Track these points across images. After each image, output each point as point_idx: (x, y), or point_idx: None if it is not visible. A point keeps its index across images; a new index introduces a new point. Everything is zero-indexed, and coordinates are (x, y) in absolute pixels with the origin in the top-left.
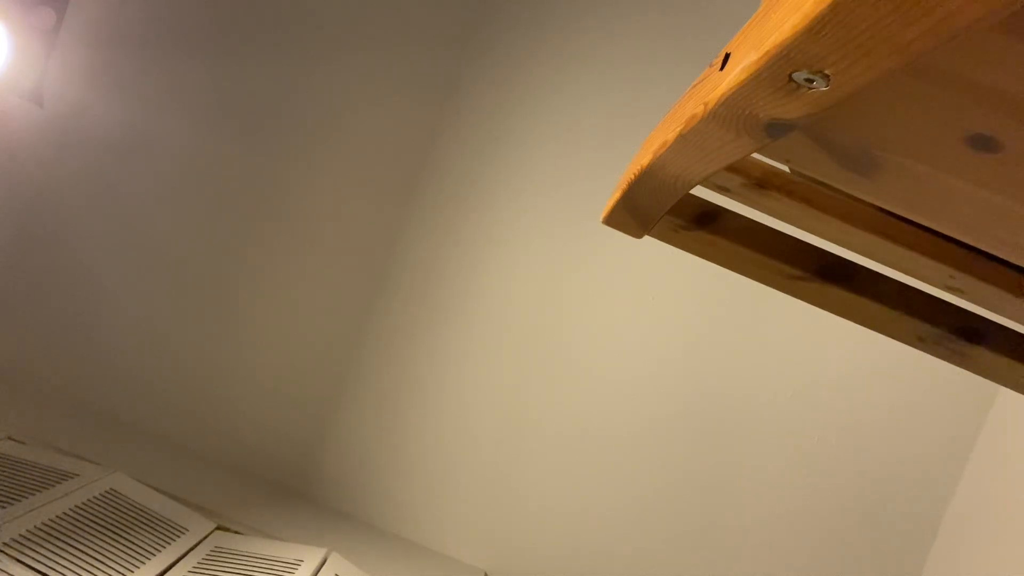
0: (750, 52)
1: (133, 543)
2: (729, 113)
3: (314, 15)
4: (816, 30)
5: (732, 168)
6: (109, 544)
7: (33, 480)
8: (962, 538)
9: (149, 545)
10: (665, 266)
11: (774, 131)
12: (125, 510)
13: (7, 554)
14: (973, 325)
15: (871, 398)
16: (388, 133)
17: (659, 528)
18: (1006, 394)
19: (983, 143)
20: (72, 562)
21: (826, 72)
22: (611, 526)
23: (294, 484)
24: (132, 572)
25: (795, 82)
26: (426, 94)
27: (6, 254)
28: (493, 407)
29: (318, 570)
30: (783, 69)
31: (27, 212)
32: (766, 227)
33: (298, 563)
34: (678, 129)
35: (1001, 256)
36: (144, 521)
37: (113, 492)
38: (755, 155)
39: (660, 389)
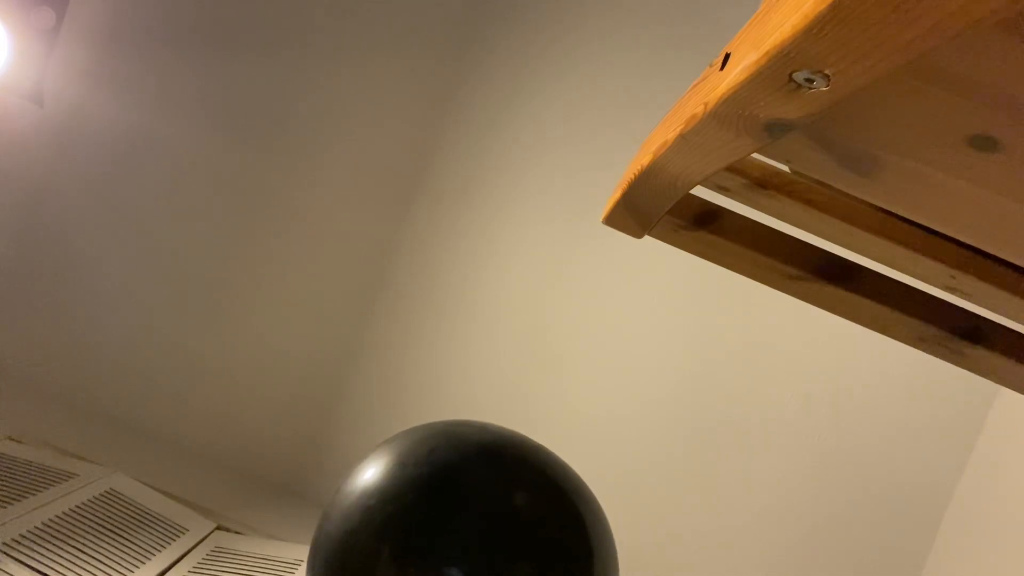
0: (750, 52)
1: (133, 543)
2: (729, 113)
3: (314, 17)
4: (816, 30)
5: (732, 168)
6: (109, 544)
7: (33, 480)
8: (962, 538)
9: (149, 545)
10: (665, 266)
11: (774, 131)
12: (125, 510)
13: (7, 554)
14: (973, 325)
15: (871, 398)
16: (389, 132)
17: (658, 529)
18: (1006, 394)
19: (983, 143)
20: (72, 562)
21: (826, 72)
22: (612, 527)
23: (294, 484)
24: (132, 572)
25: (795, 82)
26: (427, 94)
27: (6, 254)
28: (493, 407)
29: None
30: (783, 69)
31: (27, 212)
32: (766, 227)
33: (298, 563)
34: (678, 129)
35: (1001, 256)
36: (144, 521)
37: (113, 492)
38: (755, 155)
39: (659, 389)
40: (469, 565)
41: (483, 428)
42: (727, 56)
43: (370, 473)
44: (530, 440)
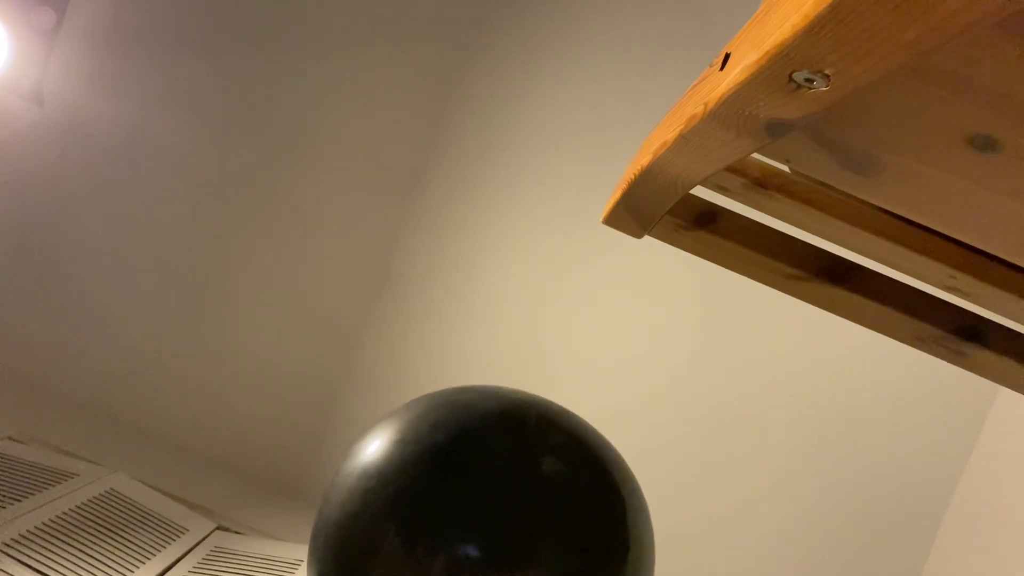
0: (750, 52)
1: (133, 543)
2: (729, 113)
3: (314, 15)
4: (816, 30)
5: (732, 168)
6: (109, 544)
7: (33, 480)
8: (962, 538)
9: (149, 545)
10: (665, 266)
11: (774, 131)
12: (125, 510)
13: (7, 554)
14: (973, 325)
15: (871, 398)
16: (388, 132)
17: (657, 529)
18: (1006, 394)
19: (983, 143)
20: (72, 562)
21: (826, 72)
22: None
23: (294, 484)
24: (132, 572)
25: (795, 82)
26: (427, 93)
27: (6, 254)
28: None
29: None
30: (783, 69)
31: (27, 212)
32: (766, 227)
33: (298, 563)
34: (678, 129)
35: (1001, 256)
36: (144, 521)
37: (113, 492)
38: (755, 155)
39: (657, 389)
40: (485, 542)
41: (488, 393)
42: (727, 56)
43: (369, 453)
44: (550, 401)
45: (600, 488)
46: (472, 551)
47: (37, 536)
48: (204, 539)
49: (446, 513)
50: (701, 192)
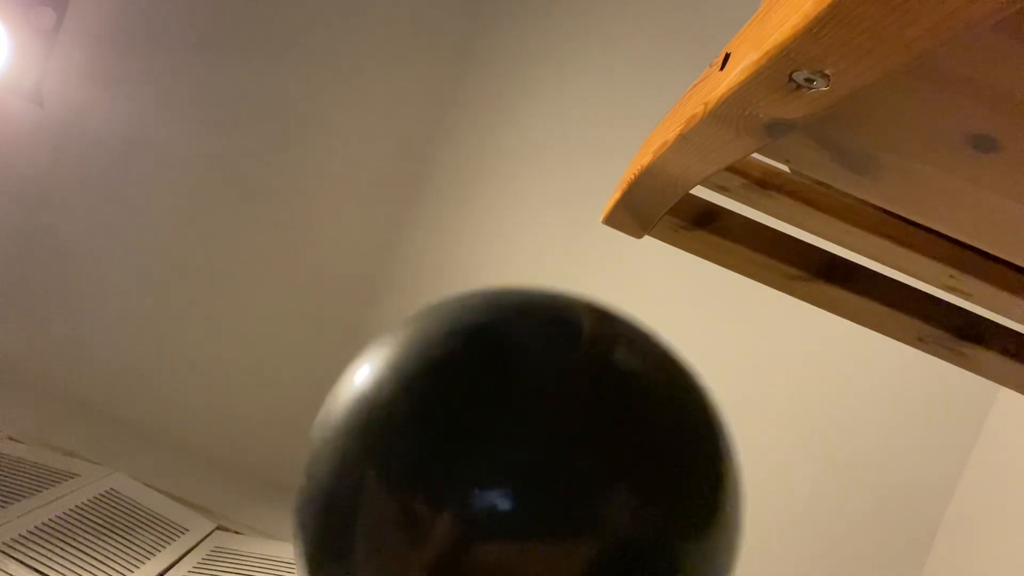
0: (750, 52)
1: (133, 543)
2: (729, 113)
3: (314, 16)
4: (816, 30)
5: (732, 168)
6: (109, 544)
7: (33, 480)
8: (962, 538)
9: (149, 545)
10: (665, 266)
11: (774, 131)
12: (125, 510)
13: (7, 554)
14: (973, 325)
15: (871, 398)
16: (389, 131)
17: None
18: (1006, 394)
19: (983, 143)
20: (72, 562)
21: (826, 72)
22: None
23: (294, 484)
24: (132, 572)
25: (795, 82)
26: (427, 91)
27: (6, 253)
28: None
29: None
30: (783, 69)
31: (27, 211)
32: (766, 227)
33: None
34: (678, 129)
35: (1001, 256)
36: (144, 521)
37: (113, 492)
38: (755, 155)
39: None
40: (519, 484)
41: (514, 290)
42: (727, 56)
43: (360, 388)
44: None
45: (690, 413)
46: (501, 502)
47: (37, 536)
48: (204, 539)
49: (466, 441)
50: (701, 192)
